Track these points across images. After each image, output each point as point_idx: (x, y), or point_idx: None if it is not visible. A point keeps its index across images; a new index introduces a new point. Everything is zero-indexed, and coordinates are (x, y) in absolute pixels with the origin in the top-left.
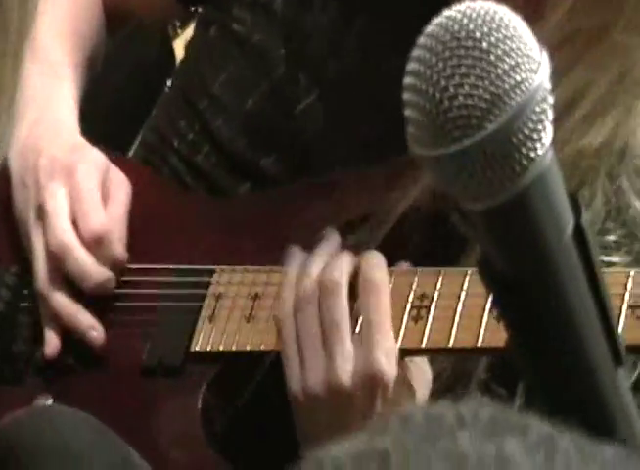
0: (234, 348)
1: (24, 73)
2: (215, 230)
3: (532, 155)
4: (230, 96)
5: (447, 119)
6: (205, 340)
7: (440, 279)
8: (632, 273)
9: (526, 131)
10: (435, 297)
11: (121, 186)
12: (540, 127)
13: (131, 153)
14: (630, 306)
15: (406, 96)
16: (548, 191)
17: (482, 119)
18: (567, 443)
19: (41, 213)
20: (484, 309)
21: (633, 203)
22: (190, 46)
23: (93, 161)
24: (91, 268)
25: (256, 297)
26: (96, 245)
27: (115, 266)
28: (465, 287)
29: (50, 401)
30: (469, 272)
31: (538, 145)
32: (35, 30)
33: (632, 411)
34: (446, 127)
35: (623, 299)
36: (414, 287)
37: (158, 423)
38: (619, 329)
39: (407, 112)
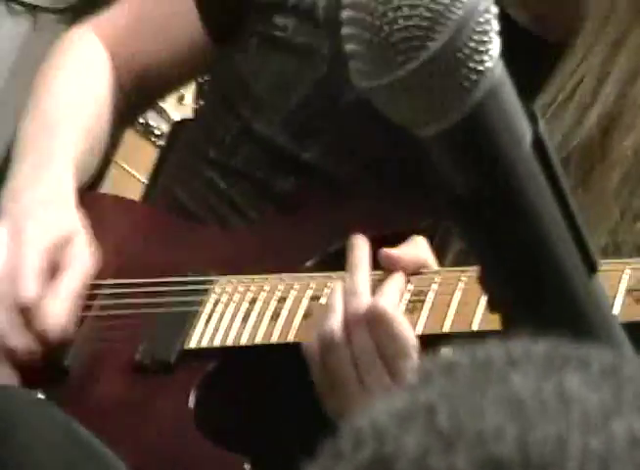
0: (229, 342)
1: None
2: (216, 245)
3: (481, 68)
4: (272, 95)
5: (389, 45)
6: (199, 338)
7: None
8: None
9: (472, 44)
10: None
11: (81, 256)
12: (486, 39)
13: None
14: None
15: (345, 30)
16: (502, 104)
17: (425, 39)
18: (632, 370)
19: None
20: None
21: None
22: (221, 61)
23: (50, 223)
24: (9, 333)
25: (253, 301)
26: (23, 313)
27: (44, 338)
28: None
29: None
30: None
31: (486, 57)
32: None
33: (610, 318)
34: (390, 54)
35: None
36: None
37: (149, 420)
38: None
39: (349, 46)
